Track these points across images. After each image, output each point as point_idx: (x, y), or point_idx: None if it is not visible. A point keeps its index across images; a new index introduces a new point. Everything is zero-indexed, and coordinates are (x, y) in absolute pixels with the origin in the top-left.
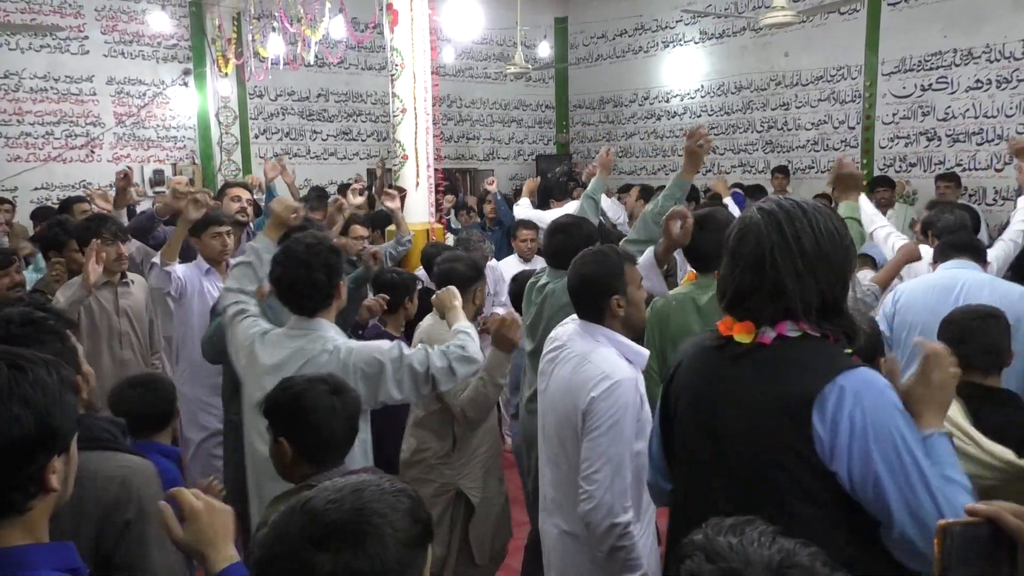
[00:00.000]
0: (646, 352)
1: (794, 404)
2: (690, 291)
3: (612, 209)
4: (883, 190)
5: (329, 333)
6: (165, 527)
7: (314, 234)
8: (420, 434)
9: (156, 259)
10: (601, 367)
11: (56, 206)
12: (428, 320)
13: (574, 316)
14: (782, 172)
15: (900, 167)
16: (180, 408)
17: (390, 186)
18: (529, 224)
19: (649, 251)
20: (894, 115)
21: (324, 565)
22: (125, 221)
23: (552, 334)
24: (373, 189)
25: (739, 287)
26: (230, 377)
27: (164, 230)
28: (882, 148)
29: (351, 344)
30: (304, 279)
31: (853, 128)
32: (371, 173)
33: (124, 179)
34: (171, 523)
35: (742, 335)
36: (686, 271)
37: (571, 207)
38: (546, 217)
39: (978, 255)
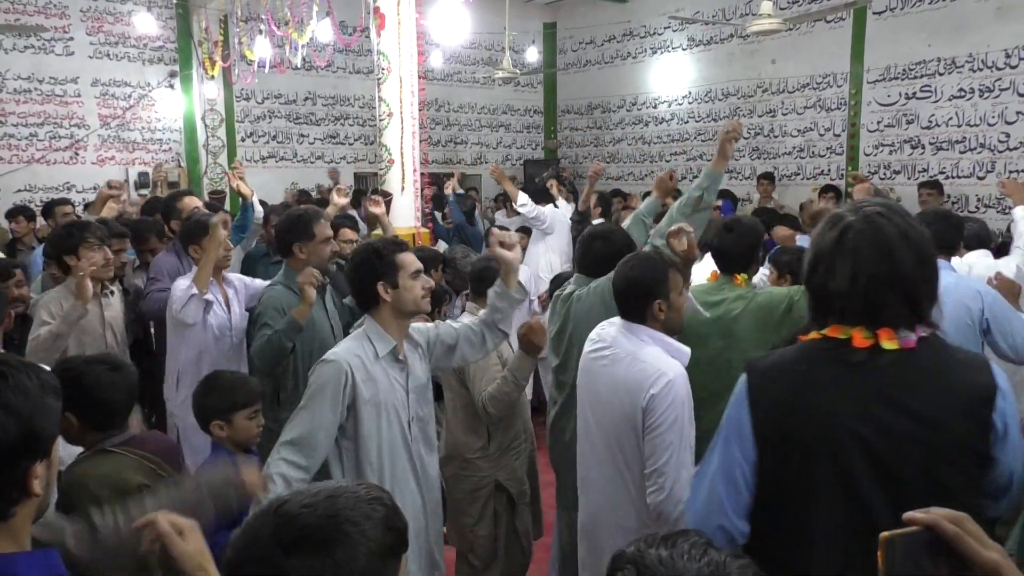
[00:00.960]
0: (688, 350)
1: (975, 401)
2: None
3: (568, 212)
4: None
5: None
6: (169, 539)
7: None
8: (453, 430)
9: (194, 290)
10: (656, 365)
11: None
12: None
13: (613, 319)
14: (767, 179)
15: (884, 174)
16: (182, 437)
17: (375, 191)
18: (520, 229)
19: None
20: (879, 123)
21: (293, 570)
22: None
23: (594, 334)
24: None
25: (870, 293)
26: (273, 387)
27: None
28: (867, 155)
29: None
30: (349, 280)
31: (839, 135)
32: (358, 178)
33: (115, 188)
34: (174, 538)
35: (889, 342)
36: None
37: (546, 210)
38: (549, 214)
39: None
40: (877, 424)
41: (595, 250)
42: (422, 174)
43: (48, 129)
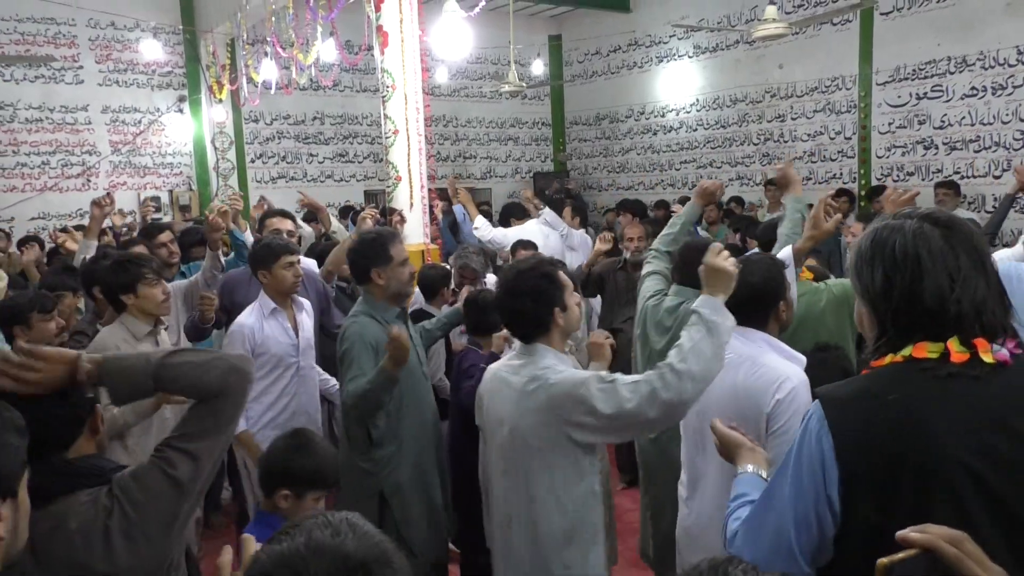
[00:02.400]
0: (803, 357)
1: None
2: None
3: (555, 221)
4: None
5: (546, 360)
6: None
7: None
8: None
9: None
10: (779, 370)
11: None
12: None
13: None
14: (774, 184)
15: (898, 176)
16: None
17: (388, 209)
18: (528, 244)
19: (787, 248)
20: (890, 124)
21: None
22: (91, 253)
23: None
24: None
25: (977, 299)
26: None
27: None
28: (879, 158)
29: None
30: (509, 307)
31: (849, 138)
32: (368, 196)
33: (102, 205)
34: (226, 570)
35: (986, 354)
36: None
37: (531, 226)
38: (510, 235)
39: None
40: (988, 453)
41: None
42: (430, 190)
43: (60, 157)
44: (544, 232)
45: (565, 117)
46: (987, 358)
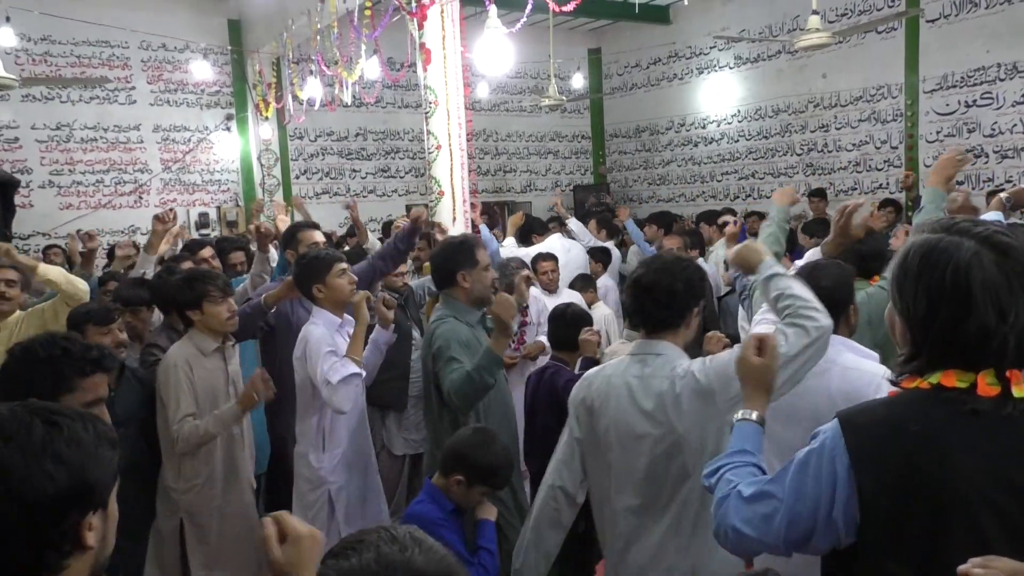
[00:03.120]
0: (875, 354)
1: None
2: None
3: (581, 233)
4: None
5: (679, 359)
6: (266, 545)
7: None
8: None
9: (352, 367)
10: (869, 371)
11: (105, 250)
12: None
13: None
14: (819, 195)
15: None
16: (335, 500)
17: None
18: (548, 256)
19: (815, 250)
20: (938, 133)
21: None
22: (151, 271)
23: None
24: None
25: (986, 327)
26: (452, 420)
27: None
28: (927, 167)
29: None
30: (663, 285)
31: (896, 148)
32: (409, 211)
33: (164, 221)
34: (272, 542)
35: (1019, 388)
36: None
37: (552, 241)
38: (531, 252)
39: None
40: (1013, 487)
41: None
42: (472, 204)
43: (113, 175)
44: (566, 246)
45: (605, 130)
46: (1019, 392)
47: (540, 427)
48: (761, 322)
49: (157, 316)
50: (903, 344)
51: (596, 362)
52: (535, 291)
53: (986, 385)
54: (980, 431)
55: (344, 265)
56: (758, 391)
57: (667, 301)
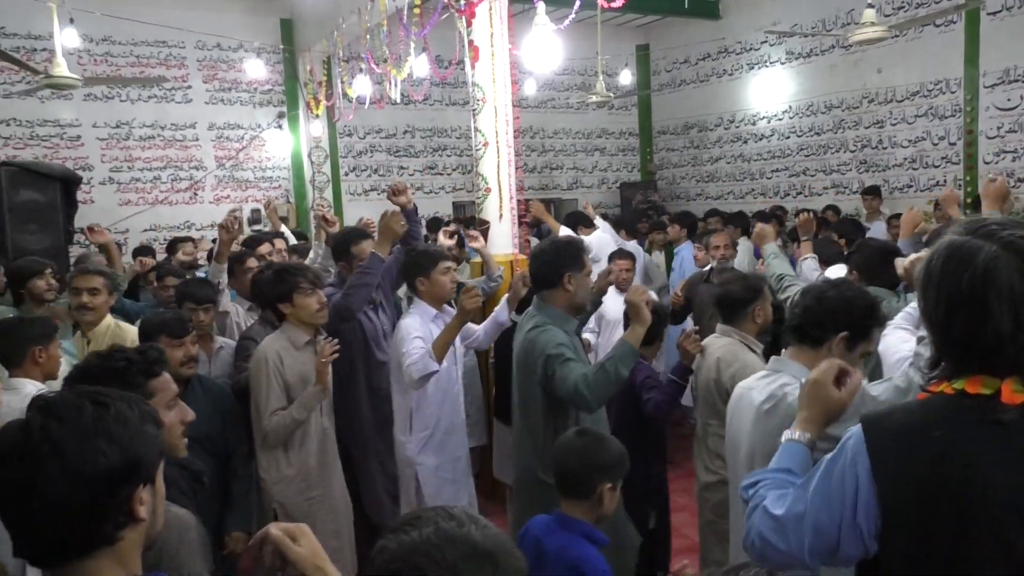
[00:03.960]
0: None
1: None
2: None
3: (606, 233)
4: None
5: (789, 377)
6: (283, 544)
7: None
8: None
9: (433, 364)
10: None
11: (162, 246)
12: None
13: None
14: (873, 193)
15: (1008, 183)
16: (421, 483)
17: (473, 219)
18: (625, 254)
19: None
20: (999, 129)
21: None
22: (225, 280)
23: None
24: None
25: (1000, 334)
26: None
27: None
28: (987, 163)
29: None
30: (834, 301)
31: (954, 144)
32: (456, 207)
33: (230, 229)
34: (287, 542)
35: None
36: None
37: (604, 236)
38: (594, 241)
39: None
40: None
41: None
42: (519, 201)
43: (170, 172)
44: (610, 242)
45: (653, 126)
46: None
47: (615, 423)
48: (897, 328)
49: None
50: (930, 347)
51: (689, 370)
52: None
53: (1011, 392)
54: (1005, 438)
55: (449, 264)
56: (820, 418)
57: (830, 320)
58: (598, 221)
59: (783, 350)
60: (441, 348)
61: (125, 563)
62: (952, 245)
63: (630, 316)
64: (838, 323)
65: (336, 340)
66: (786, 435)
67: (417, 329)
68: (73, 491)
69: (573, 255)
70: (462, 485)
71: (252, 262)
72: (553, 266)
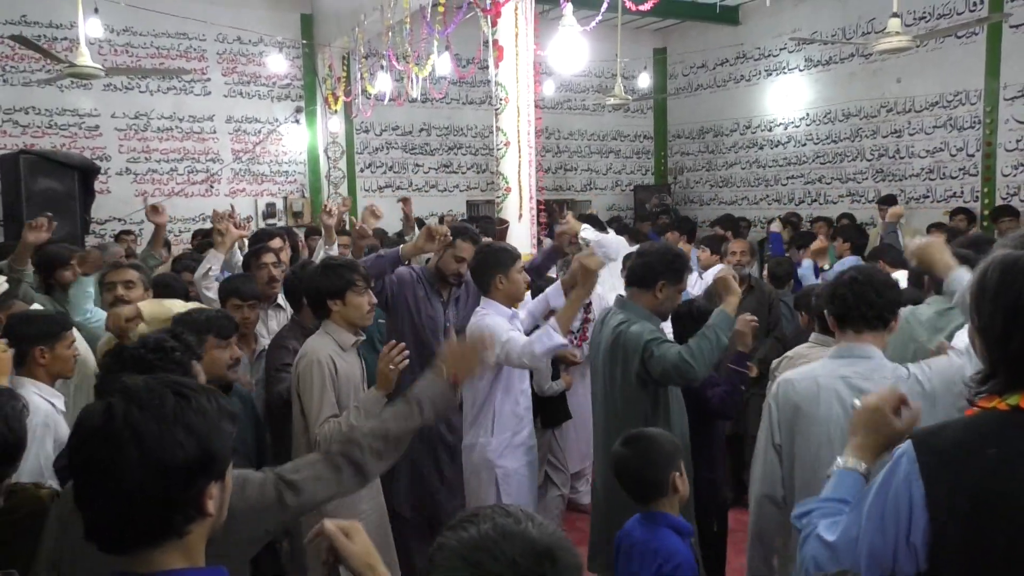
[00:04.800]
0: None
1: None
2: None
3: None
4: (1008, 220)
5: (883, 359)
6: (336, 541)
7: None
8: None
9: (557, 338)
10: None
11: (176, 237)
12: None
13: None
14: (888, 202)
15: None
16: (501, 484)
17: (498, 220)
18: None
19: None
20: (1018, 142)
21: None
22: (216, 267)
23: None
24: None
25: None
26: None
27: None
28: (1005, 176)
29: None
30: (874, 292)
31: (972, 156)
32: (470, 206)
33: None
34: (342, 539)
35: None
36: None
37: (620, 240)
38: (612, 242)
39: None
40: None
41: None
42: (539, 202)
43: (187, 164)
44: (626, 245)
45: (668, 130)
46: None
47: None
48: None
49: None
50: (981, 361)
51: (746, 356)
52: (599, 289)
53: None
54: None
55: (522, 264)
56: (876, 447)
57: (871, 309)
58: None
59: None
60: (567, 321)
61: (190, 556)
62: (1008, 259)
63: (721, 290)
64: (895, 306)
65: (403, 345)
66: (839, 463)
67: (506, 327)
68: (149, 480)
69: (676, 269)
70: (534, 488)
71: (269, 256)
72: (653, 270)
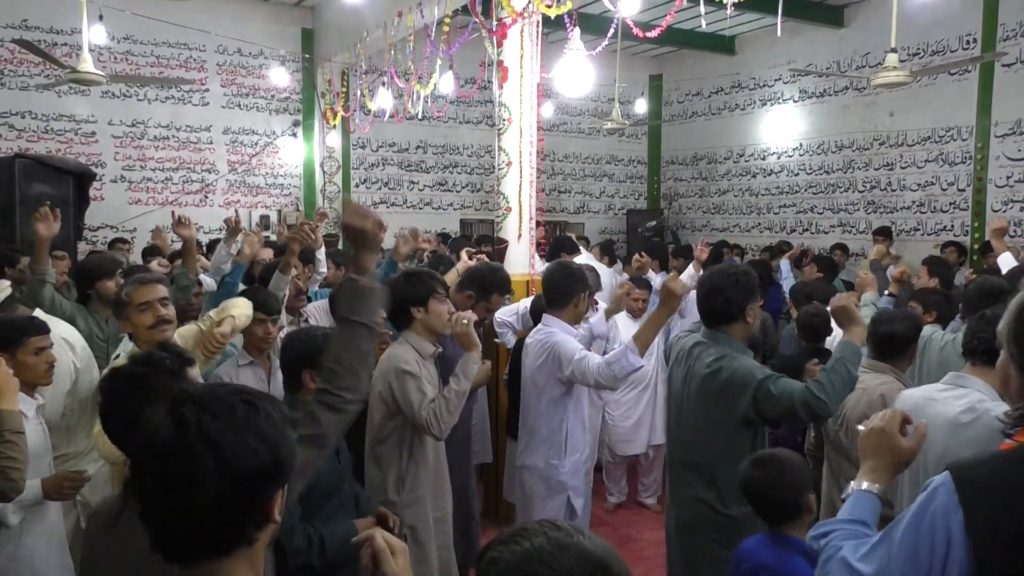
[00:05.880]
0: None
1: None
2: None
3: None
4: (995, 255)
5: (983, 394)
6: (383, 554)
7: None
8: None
9: (637, 360)
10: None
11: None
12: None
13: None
14: (883, 234)
15: (1015, 232)
16: (578, 513)
17: (497, 239)
18: (645, 283)
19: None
20: (1008, 178)
21: None
22: (287, 290)
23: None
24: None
25: None
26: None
27: None
28: (995, 211)
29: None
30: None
31: (963, 190)
32: (464, 224)
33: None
34: (388, 555)
35: None
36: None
37: (592, 261)
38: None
39: None
40: None
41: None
42: (538, 222)
43: (182, 174)
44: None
45: (662, 156)
46: None
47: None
48: None
49: None
50: (1018, 397)
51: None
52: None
53: None
54: None
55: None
56: (888, 468)
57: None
58: (584, 254)
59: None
60: (646, 343)
61: (254, 564)
62: None
63: (841, 320)
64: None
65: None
66: (853, 486)
67: (578, 346)
68: (225, 490)
69: (752, 287)
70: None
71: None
72: (735, 302)
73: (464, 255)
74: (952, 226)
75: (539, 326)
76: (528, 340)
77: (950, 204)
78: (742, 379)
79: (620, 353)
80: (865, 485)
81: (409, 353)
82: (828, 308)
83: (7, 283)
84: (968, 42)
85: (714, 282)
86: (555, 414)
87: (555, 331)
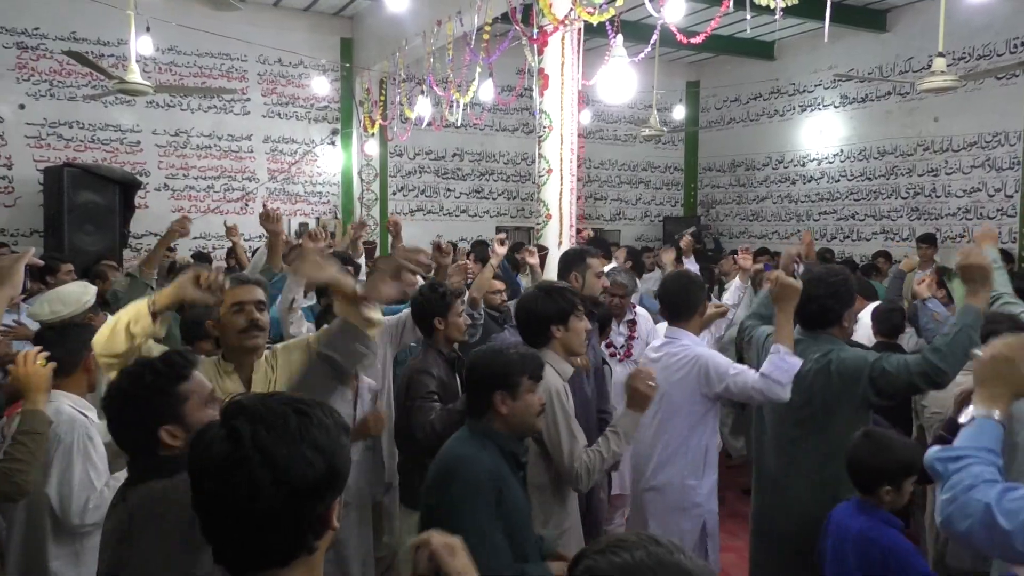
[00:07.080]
0: None
1: None
2: None
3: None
4: None
5: None
6: (440, 555)
7: None
8: None
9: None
10: None
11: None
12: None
13: None
14: (928, 241)
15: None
16: (711, 534)
17: (539, 247)
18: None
19: None
20: None
21: None
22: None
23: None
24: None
25: None
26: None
27: None
28: None
29: None
30: None
31: (1011, 196)
32: (499, 232)
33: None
34: (445, 554)
35: None
36: None
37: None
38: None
39: None
40: None
41: None
42: (579, 229)
43: (223, 182)
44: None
45: (699, 162)
46: None
47: None
48: None
49: None
50: None
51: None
52: (642, 309)
53: None
54: None
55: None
56: (1008, 395)
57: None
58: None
59: None
60: (790, 340)
61: (313, 571)
62: None
63: (975, 279)
64: None
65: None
66: (972, 412)
67: (727, 360)
68: (284, 500)
69: (848, 293)
70: None
71: None
72: (832, 310)
73: (496, 243)
74: (1000, 232)
75: (665, 338)
76: (652, 354)
77: (997, 210)
78: (853, 364)
79: (776, 360)
80: (984, 411)
81: (555, 379)
82: (957, 263)
83: (93, 289)
84: (1016, 46)
85: (810, 289)
86: (695, 432)
87: (689, 344)
